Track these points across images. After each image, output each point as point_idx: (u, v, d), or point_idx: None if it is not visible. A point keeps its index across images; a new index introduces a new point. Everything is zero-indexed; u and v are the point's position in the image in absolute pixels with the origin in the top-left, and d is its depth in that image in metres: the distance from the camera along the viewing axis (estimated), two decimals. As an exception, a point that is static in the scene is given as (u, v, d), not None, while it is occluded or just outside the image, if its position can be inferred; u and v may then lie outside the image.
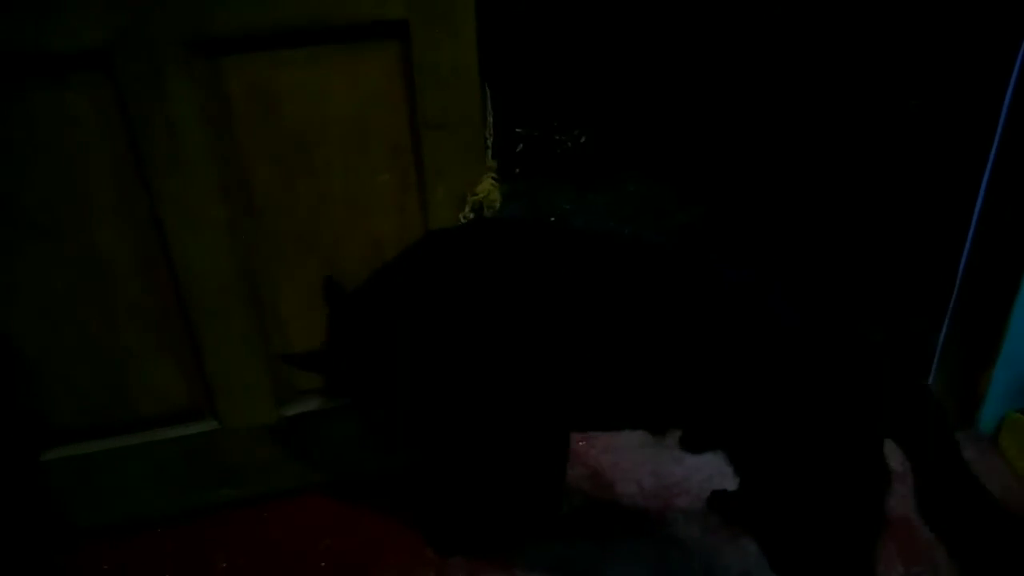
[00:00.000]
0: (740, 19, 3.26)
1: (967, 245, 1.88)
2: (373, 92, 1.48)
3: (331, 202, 1.55)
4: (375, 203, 1.57)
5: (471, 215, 1.57)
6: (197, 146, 1.43)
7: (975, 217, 1.84)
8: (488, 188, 1.59)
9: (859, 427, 1.16)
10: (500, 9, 3.15)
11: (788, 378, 1.15)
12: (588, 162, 3.41)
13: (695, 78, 3.37)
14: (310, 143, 1.49)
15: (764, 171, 3.20)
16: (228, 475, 1.73)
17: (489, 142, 1.64)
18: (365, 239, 1.59)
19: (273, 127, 1.46)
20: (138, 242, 1.49)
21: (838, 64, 3.06)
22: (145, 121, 1.39)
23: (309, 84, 1.45)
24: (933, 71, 2.31)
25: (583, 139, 3.46)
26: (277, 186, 1.51)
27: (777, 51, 3.19)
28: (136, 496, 1.70)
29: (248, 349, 1.62)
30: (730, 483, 1.78)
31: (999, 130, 1.74)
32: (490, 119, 1.71)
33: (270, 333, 1.63)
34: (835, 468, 1.17)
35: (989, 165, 1.77)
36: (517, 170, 3.35)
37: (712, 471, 1.84)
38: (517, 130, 3.45)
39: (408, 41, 1.44)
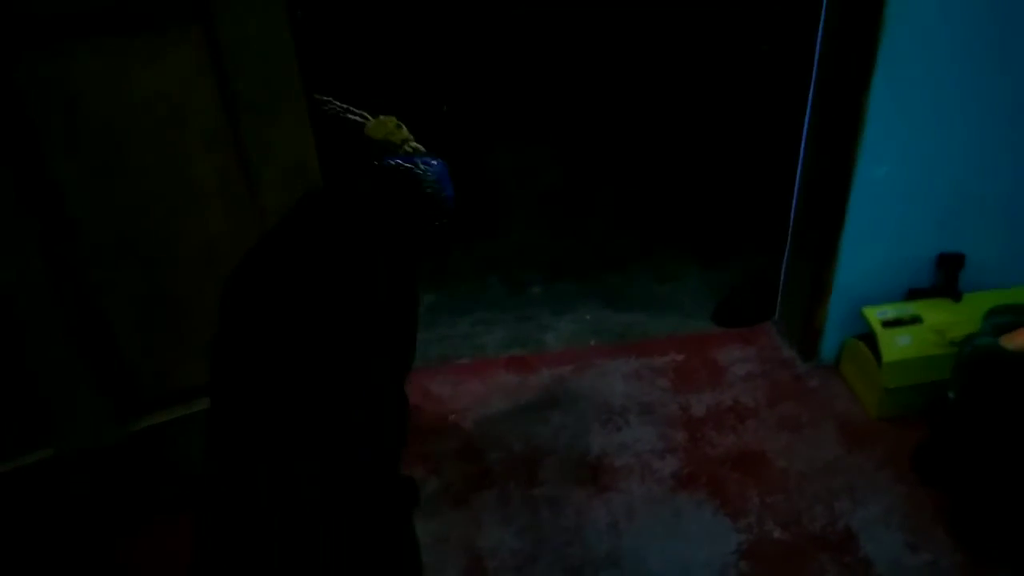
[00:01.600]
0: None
1: (796, 185, 1.97)
2: (182, 78, 1.39)
3: (151, 200, 1.45)
4: (199, 193, 1.48)
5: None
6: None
7: (801, 156, 1.93)
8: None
9: None
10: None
11: None
12: (454, 133, 3.38)
13: (551, 43, 3.39)
14: (121, 139, 1.39)
15: (622, 126, 3.27)
16: (74, 503, 1.63)
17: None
18: (195, 234, 1.50)
19: (78, 125, 1.36)
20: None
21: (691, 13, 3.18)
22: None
23: (112, 76, 1.35)
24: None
25: (446, 109, 3.42)
26: (90, 189, 1.41)
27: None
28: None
29: (79, 367, 1.51)
30: (596, 438, 1.85)
31: (813, 76, 1.83)
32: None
33: (101, 348, 1.53)
34: None
35: (808, 107, 1.86)
36: None
37: (578, 429, 1.88)
38: None
39: (212, 22, 1.36)
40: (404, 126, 1.59)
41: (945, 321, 1.81)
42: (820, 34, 1.75)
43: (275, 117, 1.47)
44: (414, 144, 1.59)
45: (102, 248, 1.46)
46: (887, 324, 1.82)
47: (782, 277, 2.10)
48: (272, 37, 1.40)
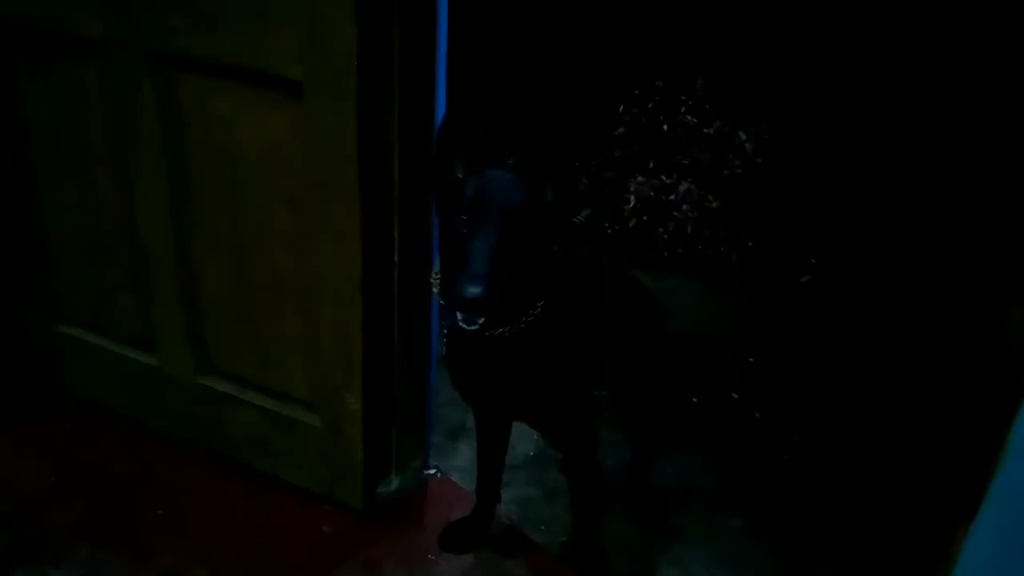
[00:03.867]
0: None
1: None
2: (278, 139, 1.63)
3: (243, 212, 1.73)
4: (274, 232, 1.72)
5: None
6: (152, 134, 1.73)
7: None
8: None
9: None
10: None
11: None
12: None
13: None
14: (233, 160, 1.69)
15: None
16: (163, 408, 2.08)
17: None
18: (267, 258, 1.74)
19: (208, 137, 1.70)
20: (116, 190, 1.86)
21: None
22: (120, 106, 1.74)
23: (236, 112, 1.64)
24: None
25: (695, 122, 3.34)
26: (203, 178, 1.75)
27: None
28: (107, 389, 2.13)
29: (176, 303, 1.89)
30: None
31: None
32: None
33: (192, 296, 1.88)
34: None
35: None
36: (617, 153, 3.44)
37: None
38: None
39: (303, 102, 1.54)
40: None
41: None
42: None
43: (332, 198, 1.61)
44: None
45: (206, 227, 1.79)
46: None
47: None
48: (340, 133, 1.54)
